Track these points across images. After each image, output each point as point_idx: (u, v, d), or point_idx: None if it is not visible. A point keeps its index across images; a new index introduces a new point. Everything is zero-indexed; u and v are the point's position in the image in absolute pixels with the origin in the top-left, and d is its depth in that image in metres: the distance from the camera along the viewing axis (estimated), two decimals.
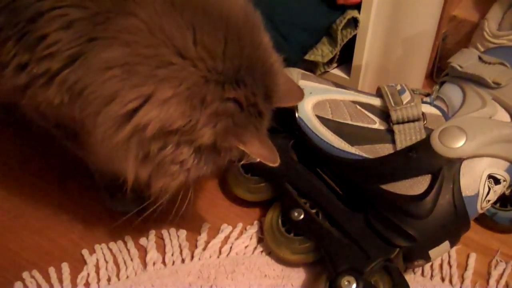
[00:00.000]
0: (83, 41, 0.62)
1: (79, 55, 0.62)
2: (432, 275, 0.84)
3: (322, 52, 1.06)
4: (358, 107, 0.86)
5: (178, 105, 0.62)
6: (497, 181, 0.79)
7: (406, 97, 0.83)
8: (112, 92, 0.62)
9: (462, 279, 0.84)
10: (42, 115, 0.73)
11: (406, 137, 0.81)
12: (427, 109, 0.83)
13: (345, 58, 1.08)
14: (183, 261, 0.87)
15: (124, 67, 0.61)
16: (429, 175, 0.78)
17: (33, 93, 0.66)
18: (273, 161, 0.70)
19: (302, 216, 0.84)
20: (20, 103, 0.72)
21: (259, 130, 0.69)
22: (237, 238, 0.90)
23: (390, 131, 0.82)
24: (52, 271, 0.86)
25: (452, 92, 0.85)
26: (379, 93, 0.87)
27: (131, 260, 0.87)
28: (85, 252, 0.88)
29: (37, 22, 0.62)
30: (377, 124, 0.84)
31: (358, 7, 1.00)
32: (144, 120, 0.62)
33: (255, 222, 0.92)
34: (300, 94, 0.78)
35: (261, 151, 0.69)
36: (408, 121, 0.82)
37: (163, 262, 0.87)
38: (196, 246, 0.89)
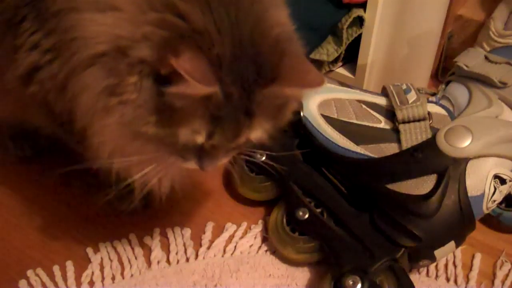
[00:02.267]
0: None
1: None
2: (437, 275, 0.84)
3: (328, 51, 1.06)
4: (364, 106, 0.85)
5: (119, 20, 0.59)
6: (503, 181, 0.78)
7: (412, 96, 0.83)
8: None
9: (467, 279, 0.84)
10: (49, 112, 0.72)
11: (412, 136, 0.81)
12: (433, 108, 0.83)
13: (351, 57, 1.08)
14: (187, 260, 0.87)
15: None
16: (435, 175, 0.78)
17: (41, 76, 0.66)
18: (205, 82, 0.57)
19: (307, 216, 0.84)
20: (28, 107, 0.72)
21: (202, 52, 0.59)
22: (241, 237, 0.90)
23: (396, 131, 0.82)
24: (56, 269, 0.86)
25: (458, 91, 0.85)
26: (384, 92, 0.87)
27: (136, 258, 0.87)
28: (89, 250, 0.88)
29: None
30: (383, 124, 0.84)
31: (363, 6, 1.00)
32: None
33: (260, 221, 0.92)
34: (318, 79, 0.64)
35: (194, 67, 0.56)
36: (414, 121, 0.81)
37: (168, 260, 0.87)
38: (200, 245, 0.89)
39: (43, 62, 0.66)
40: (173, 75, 0.57)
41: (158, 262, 0.87)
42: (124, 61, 0.59)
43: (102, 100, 0.61)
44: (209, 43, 0.58)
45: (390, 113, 0.84)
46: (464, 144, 0.78)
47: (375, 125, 0.84)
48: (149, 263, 0.87)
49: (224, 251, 0.88)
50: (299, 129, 0.87)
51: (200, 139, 0.62)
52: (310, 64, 0.66)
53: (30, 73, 0.67)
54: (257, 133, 0.65)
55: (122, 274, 0.85)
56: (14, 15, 0.67)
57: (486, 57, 0.85)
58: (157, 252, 0.87)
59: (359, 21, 1.02)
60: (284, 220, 0.86)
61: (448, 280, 0.84)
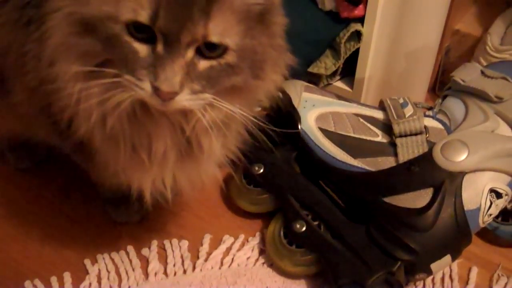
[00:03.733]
0: None
1: None
2: None
3: (326, 64, 1.06)
4: (361, 119, 0.86)
5: None
6: (499, 195, 0.79)
7: (409, 110, 0.83)
8: None
9: None
10: (56, 129, 0.71)
11: (409, 150, 0.81)
12: (430, 122, 0.84)
13: (348, 71, 1.09)
14: (184, 272, 0.87)
15: None
16: (431, 189, 0.79)
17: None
18: None
19: (304, 228, 0.84)
20: (34, 120, 0.72)
21: None
22: (239, 250, 0.90)
23: (393, 144, 0.82)
24: (54, 280, 0.86)
25: (454, 106, 0.85)
26: (381, 106, 0.87)
27: (133, 270, 0.87)
28: (87, 261, 0.88)
29: None
30: (380, 137, 0.84)
31: (361, 20, 1.01)
32: None
33: (257, 234, 0.92)
34: None
35: None
36: (411, 134, 0.82)
37: (165, 272, 0.87)
38: (198, 257, 0.89)
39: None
40: None
41: (156, 274, 0.87)
42: None
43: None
44: None
45: (387, 127, 0.84)
46: (461, 158, 0.78)
47: (372, 138, 0.84)
48: (146, 274, 0.87)
49: (222, 263, 0.88)
50: (297, 142, 0.88)
51: (143, 14, 0.54)
52: None
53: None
54: (218, 28, 0.55)
55: (119, 285, 0.85)
56: (20, 16, 0.66)
57: (482, 72, 0.86)
58: (154, 264, 0.88)
59: (357, 36, 1.02)
60: (282, 233, 0.87)
61: None
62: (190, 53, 0.56)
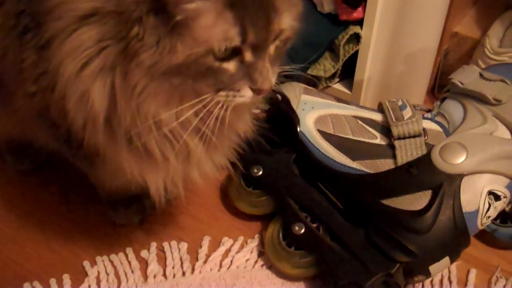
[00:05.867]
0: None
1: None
2: None
3: (325, 67, 1.06)
4: (360, 122, 0.86)
5: None
6: (497, 198, 0.79)
7: (407, 112, 0.83)
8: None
9: None
10: (55, 133, 0.72)
11: (407, 152, 0.81)
12: (428, 125, 0.84)
13: (347, 73, 1.09)
14: (183, 274, 0.87)
15: None
16: (430, 191, 0.79)
17: (43, 83, 0.64)
18: None
19: (303, 230, 0.84)
20: (32, 124, 0.72)
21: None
22: (238, 252, 0.90)
23: (391, 147, 0.83)
24: (53, 282, 0.86)
25: (453, 108, 0.85)
26: (380, 109, 0.87)
27: (132, 272, 0.87)
28: (86, 264, 0.88)
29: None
30: (378, 139, 0.84)
31: (360, 23, 1.01)
32: None
33: (256, 236, 0.92)
34: None
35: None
36: (409, 137, 0.82)
37: (164, 274, 0.87)
38: (197, 259, 0.89)
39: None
40: None
41: (155, 276, 0.87)
42: (120, 18, 0.56)
43: (98, 62, 0.58)
44: None
45: (386, 129, 0.84)
46: (459, 160, 0.79)
47: (371, 141, 0.84)
48: (145, 277, 0.87)
49: (221, 265, 0.88)
50: (296, 144, 0.88)
51: (236, 39, 0.57)
52: None
53: (37, 78, 0.65)
54: (286, 18, 0.60)
55: (118, 287, 0.86)
56: (16, 23, 0.66)
57: (481, 75, 0.86)
58: (153, 266, 0.88)
59: (356, 38, 1.03)
60: (281, 235, 0.87)
61: None
62: (272, 48, 0.61)
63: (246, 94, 0.61)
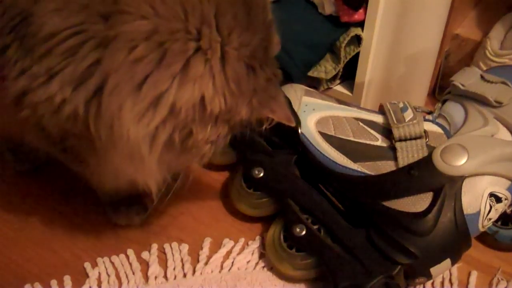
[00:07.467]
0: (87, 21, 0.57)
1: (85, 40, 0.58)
2: None
3: (326, 68, 1.06)
4: (361, 124, 0.86)
5: (213, 81, 0.59)
6: (498, 200, 0.79)
7: (409, 114, 0.83)
8: (143, 76, 0.56)
9: None
10: (47, 137, 0.71)
11: (408, 154, 0.81)
12: (429, 126, 0.84)
13: (348, 75, 1.09)
14: (184, 275, 0.87)
15: (151, 44, 0.56)
16: (431, 193, 0.79)
17: (33, 100, 0.63)
18: (292, 121, 0.73)
19: (304, 232, 0.84)
20: (21, 126, 0.71)
21: (281, 96, 0.71)
22: (239, 253, 0.90)
23: (392, 148, 0.83)
24: (54, 283, 0.86)
25: (454, 110, 0.85)
26: (381, 110, 0.87)
27: (133, 273, 0.87)
28: (87, 265, 0.88)
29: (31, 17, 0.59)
30: (380, 141, 0.84)
31: (361, 24, 1.01)
32: (181, 102, 0.58)
33: (257, 237, 0.92)
34: None
35: (286, 113, 0.71)
36: (410, 139, 0.82)
37: (165, 276, 0.87)
38: (198, 261, 0.89)
39: (36, 85, 0.62)
40: None
41: (156, 278, 0.87)
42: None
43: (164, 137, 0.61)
44: None
45: (387, 131, 0.84)
46: (460, 162, 0.79)
47: (372, 142, 0.84)
48: (146, 278, 0.87)
49: (222, 267, 0.88)
50: (297, 146, 0.88)
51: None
52: None
53: (19, 97, 0.64)
54: None
55: None
56: None
57: (482, 77, 0.86)
58: (154, 268, 0.88)
59: (357, 40, 1.03)
60: (282, 237, 0.87)
61: None
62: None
63: None
